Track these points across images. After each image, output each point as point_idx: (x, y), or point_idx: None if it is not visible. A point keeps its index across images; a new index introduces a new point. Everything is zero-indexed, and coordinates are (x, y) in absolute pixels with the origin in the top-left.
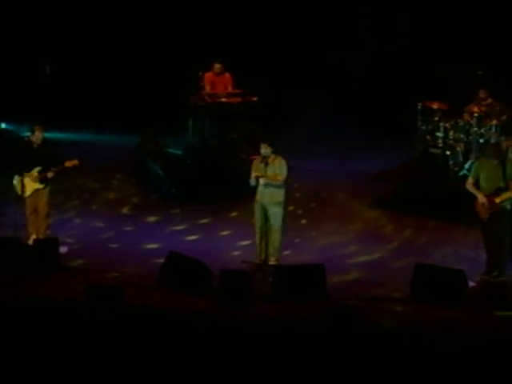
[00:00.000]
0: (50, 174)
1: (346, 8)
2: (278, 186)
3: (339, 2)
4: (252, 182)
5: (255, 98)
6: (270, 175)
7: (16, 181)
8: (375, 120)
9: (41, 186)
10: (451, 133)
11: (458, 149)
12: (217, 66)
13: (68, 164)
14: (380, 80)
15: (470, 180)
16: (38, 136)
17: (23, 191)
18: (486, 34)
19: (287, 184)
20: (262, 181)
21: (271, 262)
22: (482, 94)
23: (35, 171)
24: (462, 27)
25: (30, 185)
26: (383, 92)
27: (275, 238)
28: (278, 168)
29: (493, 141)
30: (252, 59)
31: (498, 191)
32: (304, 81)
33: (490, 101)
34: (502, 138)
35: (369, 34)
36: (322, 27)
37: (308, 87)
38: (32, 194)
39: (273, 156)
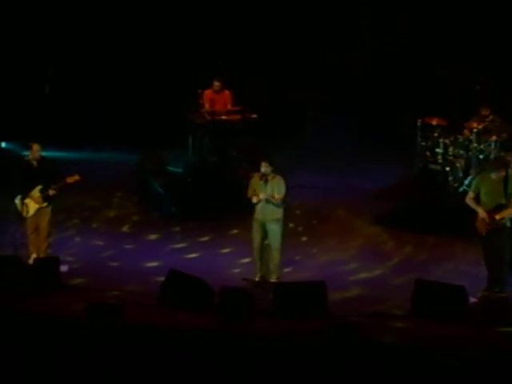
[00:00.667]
0: (51, 192)
1: (346, 8)
2: (277, 204)
3: (339, 2)
4: (254, 200)
5: (255, 116)
6: (270, 194)
7: (18, 201)
8: (375, 128)
9: (44, 205)
10: (451, 149)
11: (458, 165)
12: (216, 83)
13: (69, 180)
14: (380, 80)
15: (471, 194)
16: (36, 150)
17: (26, 211)
18: (486, 34)
19: (286, 202)
20: (262, 195)
21: (272, 280)
22: (483, 112)
23: (37, 190)
24: (462, 28)
25: (32, 204)
26: (383, 93)
27: (275, 255)
28: (277, 187)
29: (493, 156)
30: (252, 61)
31: (499, 207)
32: (304, 81)
33: (491, 117)
34: (502, 153)
35: (369, 34)
36: (322, 27)
37: (308, 87)
38: (35, 214)
39: (272, 174)
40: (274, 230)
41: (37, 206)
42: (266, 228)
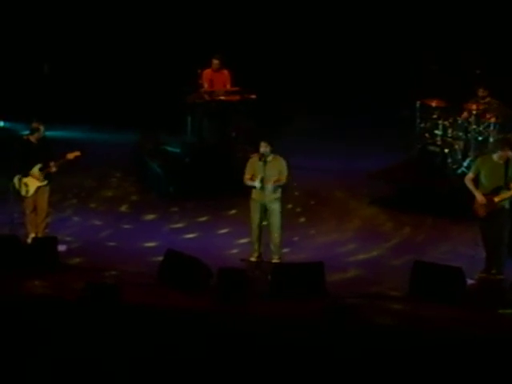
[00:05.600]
0: (52, 169)
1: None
2: (282, 185)
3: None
4: (257, 184)
5: (254, 96)
6: (269, 174)
7: (16, 180)
8: (374, 117)
9: (43, 183)
10: (450, 131)
11: (457, 147)
12: (215, 61)
13: (70, 156)
14: (378, 77)
15: (470, 175)
16: (42, 131)
17: (26, 191)
18: (484, 32)
19: (287, 182)
20: (269, 187)
21: (274, 260)
22: (481, 93)
23: (36, 169)
24: (461, 27)
25: (32, 183)
26: (383, 88)
27: (276, 235)
28: (281, 167)
29: (492, 139)
30: (253, 54)
31: (498, 190)
32: (302, 76)
33: (488, 99)
34: (504, 135)
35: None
36: (321, 26)
37: (306, 83)
38: (34, 193)
39: (272, 155)
40: (275, 210)
41: (37, 184)
42: (266, 208)
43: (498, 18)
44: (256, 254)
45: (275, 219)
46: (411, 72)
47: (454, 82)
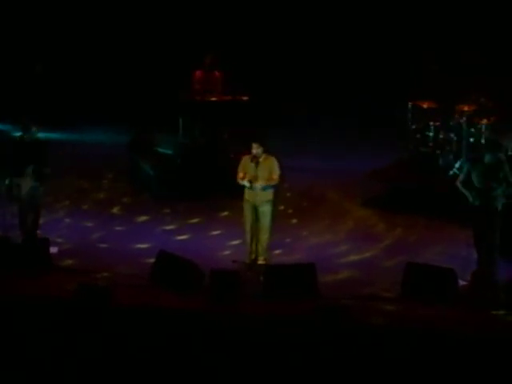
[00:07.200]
0: (46, 170)
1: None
2: (273, 186)
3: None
4: (246, 184)
5: (246, 98)
6: (262, 175)
7: (8, 181)
8: (366, 117)
9: (36, 184)
10: (441, 132)
11: (449, 148)
12: (207, 59)
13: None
14: (374, 77)
15: (462, 177)
16: (34, 131)
17: (18, 192)
18: (484, 32)
19: (279, 182)
20: (258, 186)
21: (260, 262)
22: (474, 96)
23: (30, 170)
24: (461, 27)
25: (25, 184)
26: (376, 89)
27: (265, 237)
28: (273, 167)
29: (483, 140)
30: (252, 54)
31: (490, 191)
32: (298, 77)
33: (481, 100)
34: (495, 136)
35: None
36: (321, 26)
37: (302, 84)
38: (27, 193)
39: (264, 156)
40: (265, 212)
41: (29, 184)
42: (258, 209)
43: (498, 18)
44: (253, 256)
45: (265, 221)
46: (411, 72)
47: (454, 83)
